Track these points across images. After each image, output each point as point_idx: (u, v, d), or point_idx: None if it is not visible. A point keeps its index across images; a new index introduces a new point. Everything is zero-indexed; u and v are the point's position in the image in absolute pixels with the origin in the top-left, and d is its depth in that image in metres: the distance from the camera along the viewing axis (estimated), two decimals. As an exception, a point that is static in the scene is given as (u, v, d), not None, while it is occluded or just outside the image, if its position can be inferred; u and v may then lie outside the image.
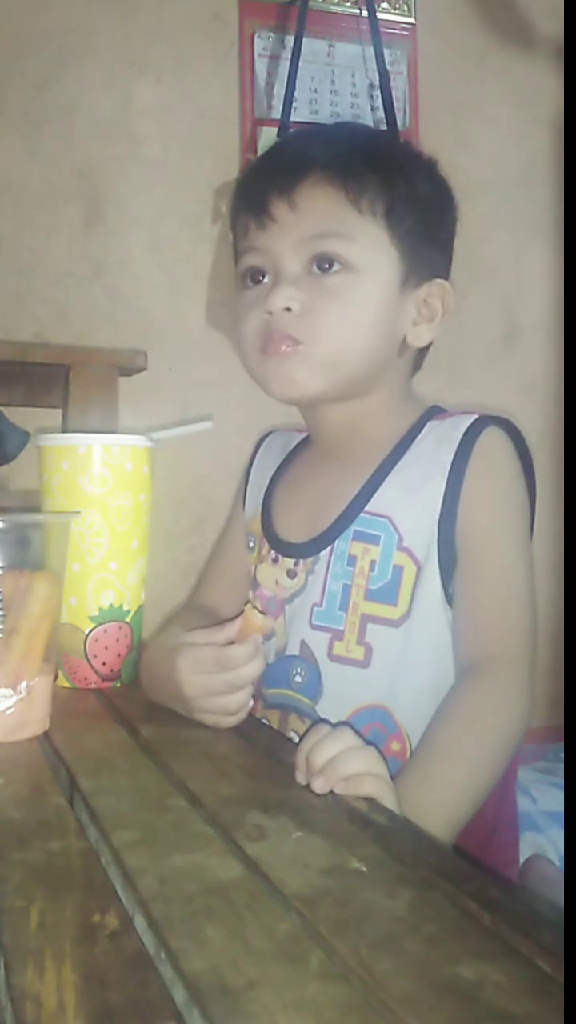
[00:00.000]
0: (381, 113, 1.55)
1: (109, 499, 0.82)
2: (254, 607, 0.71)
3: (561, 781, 1.22)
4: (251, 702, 0.72)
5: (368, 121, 1.64)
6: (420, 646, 0.78)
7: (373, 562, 0.80)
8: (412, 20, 1.69)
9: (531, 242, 1.77)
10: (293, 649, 0.83)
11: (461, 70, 1.73)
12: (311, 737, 0.60)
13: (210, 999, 0.34)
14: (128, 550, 0.83)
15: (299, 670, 0.82)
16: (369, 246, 0.79)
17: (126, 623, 0.84)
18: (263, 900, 0.43)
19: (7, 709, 0.67)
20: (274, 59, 1.60)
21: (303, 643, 0.82)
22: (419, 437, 0.83)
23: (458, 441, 0.79)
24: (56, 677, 0.77)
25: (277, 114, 1.52)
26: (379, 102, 1.56)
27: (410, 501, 0.80)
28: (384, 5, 1.66)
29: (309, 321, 0.78)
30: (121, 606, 0.83)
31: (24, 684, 0.68)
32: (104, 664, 0.83)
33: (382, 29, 1.56)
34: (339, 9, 1.64)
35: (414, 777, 0.67)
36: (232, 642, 0.71)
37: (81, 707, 0.78)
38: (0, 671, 0.67)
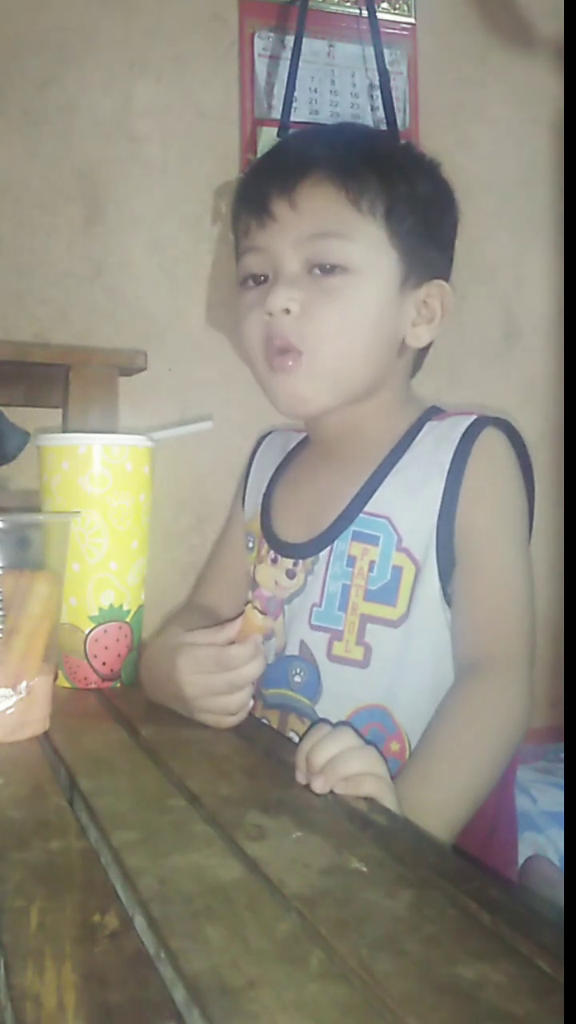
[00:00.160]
0: (381, 113, 1.55)
1: (109, 499, 0.82)
2: (254, 607, 0.72)
3: (561, 781, 1.22)
4: (251, 702, 0.72)
5: (368, 121, 1.64)
6: (419, 646, 0.78)
7: (372, 562, 0.80)
8: (412, 20, 1.69)
9: (531, 242, 1.77)
10: (292, 649, 0.83)
11: (461, 70, 1.73)
12: (311, 737, 0.60)
13: (210, 999, 0.34)
14: (128, 550, 0.83)
15: (298, 670, 0.83)
16: (369, 246, 0.79)
17: (126, 623, 0.84)
18: (263, 900, 0.43)
19: (7, 709, 0.67)
20: (274, 59, 1.60)
21: (302, 643, 0.82)
22: (418, 437, 0.83)
23: (457, 441, 0.79)
24: (56, 677, 0.77)
25: (277, 114, 1.52)
26: (379, 102, 1.56)
27: (409, 501, 0.80)
28: (384, 5, 1.66)
29: (309, 325, 0.78)
30: (121, 606, 0.83)
31: (24, 684, 0.68)
32: (104, 664, 0.83)
33: (382, 29, 1.56)
34: (339, 9, 1.64)
35: (414, 777, 0.67)
36: (232, 642, 0.71)
37: (81, 707, 0.78)
38: (0, 671, 0.67)
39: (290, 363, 0.79)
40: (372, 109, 1.65)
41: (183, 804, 0.55)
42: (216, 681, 0.69)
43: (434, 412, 0.86)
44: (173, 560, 1.47)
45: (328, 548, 0.83)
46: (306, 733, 0.62)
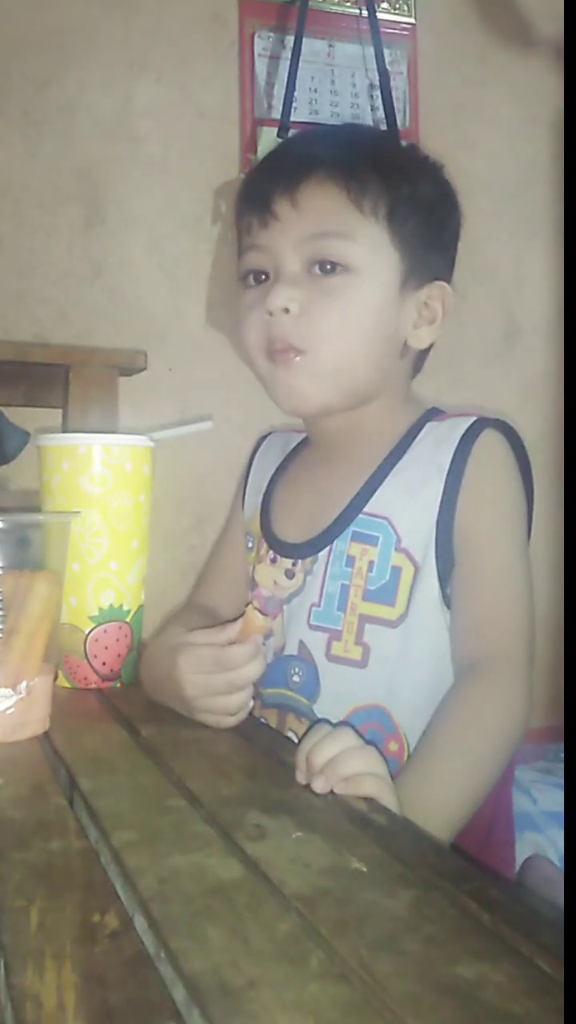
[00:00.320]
0: (381, 113, 1.55)
1: (109, 499, 0.82)
2: (255, 608, 0.72)
3: (561, 781, 1.22)
4: (251, 702, 0.72)
5: (368, 121, 1.64)
6: (418, 646, 0.78)
7: (371, 563, 0.80)
8: (412, 20, 1.69)
9: (531, 242, 1.77)
10: (291, 649, 0.83)
11: (461, 70, 1.73)
12: (311, 737, 0.60)
13: (210, 999, 0.34)
14: (128, 550, 0.83)
15: (297, 670, 0.83)
16: (370, 247, 0.79)
17: (126, 623, 0.84)
18: (263, 900, 0.43)
19: (7, 709, 0.67)
20: (274, 59, 1.60)
21: (301, 643, 0.83)
22: (418, 438, 0.83)
23: (456, 443, 0.79)
24: (56, 677, 0.77)
25: (277, 114, 1.52)
26: (379, 102, 1.56)
27: (409, 502, 0.80)
28: (384, 5, 1.66)
29: (309, 324, 0.79)
30: (121, 606, 0.83)
31: (24, 684, 0.68)
32: (104, 664, 0.83)
33: (382, 29, 1.56)
34: (339, 9, 1.64)
35: (414, 777, 0.67)
36: (233, 643, 0.71)
37: (81, 707, 0.78)
38: (0, 671, 0.67)
39: (294, 360, 0.79)
40: (372, 109, 1.65)
41: (183, 804, 0.55)
42: (216, 681, 0.69)
43: (434, 413, 0.86)
44: (173, 560, 1.47)
45: (327, 548, 0.83)
46: (306, 733, 0.62)
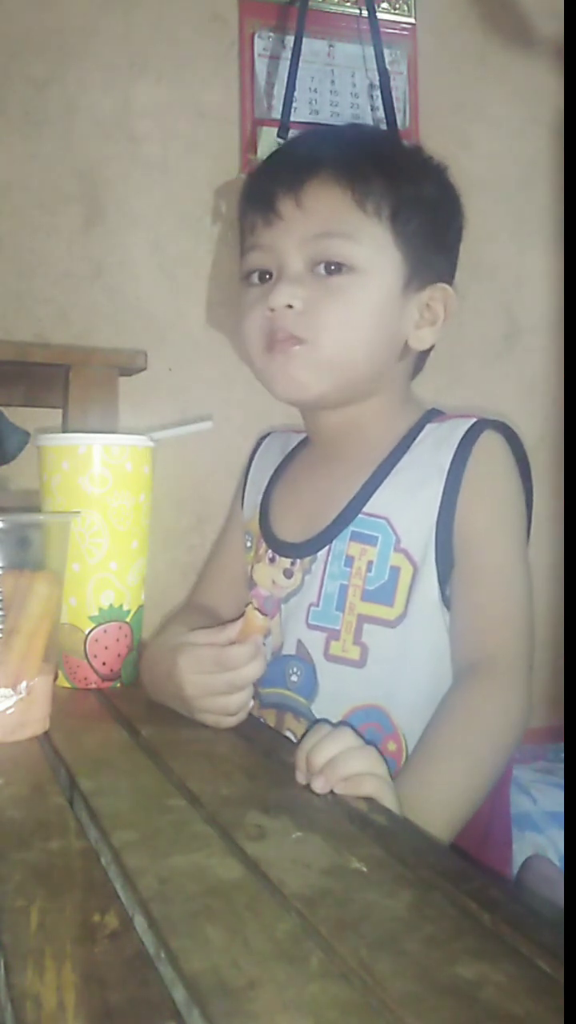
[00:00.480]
0: (381, 113, 1.55)
1: (109, 499, 0.82)
2: (255, 608, 0.72)
3: (561, 781, 1.22)
4: (251, 702, 0.72)
5: (368, 121, 1.64)
6: (416, 647, 0.78)
7: (370, 563, 0.80)
8: (412, 20, 1.69)
9: (531, 242, 1.77)
10: (289, 648, 0.83)
11: (461, 70, 1.73)
12: (311, 737, 0.60)
13: (210, 999, 0.34)
14: (128, 550, 0.83)
15: (295, 669, 0.83)
16: (373, 247, 0.80)
17: (126, 623, 0.84)
18: (263, 900, 0.43)
19: (7, 709, 0.67)
20: (274, 59, 1.60)
21: (299, 642, 0.83)
22: (418, 439, 0.83)
23: (456, 444, 0.79)
24: (56, 677, 0.77)
25: (277, 114, 1.52)
26: (379, 102, 1.56)
27: (408, 502, 0.80)
28: (384, 5, 1.66)
29: (311, 319, 0.79)
30: (121, 606, 0.83)
31: (24, 684, 0.68)
32: (104, 664, 0.83)
33: (382, 29, 1.56)
34: (339, 9, 1.64)
35: (414, 777, 0.67)
36: (233, 643, 0.71)
37: (81, 707, 0.78)
38: (0, 671, 0.67)
39: (293, 348, 0.79)
40: (372, 109, 1.65)
41: (183, 804, 0.55)
42: (216, 681, 0.69)
43: (434, 414, 0.86)
44: (173, 560, 1.47)
45: (326, 548, 0.83)
46: (306, 733, 0.62)
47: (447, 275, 0.86)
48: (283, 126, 1.49)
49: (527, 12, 1.71)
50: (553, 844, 1.02)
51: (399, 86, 1.66)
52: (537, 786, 1.16)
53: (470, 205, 0.89)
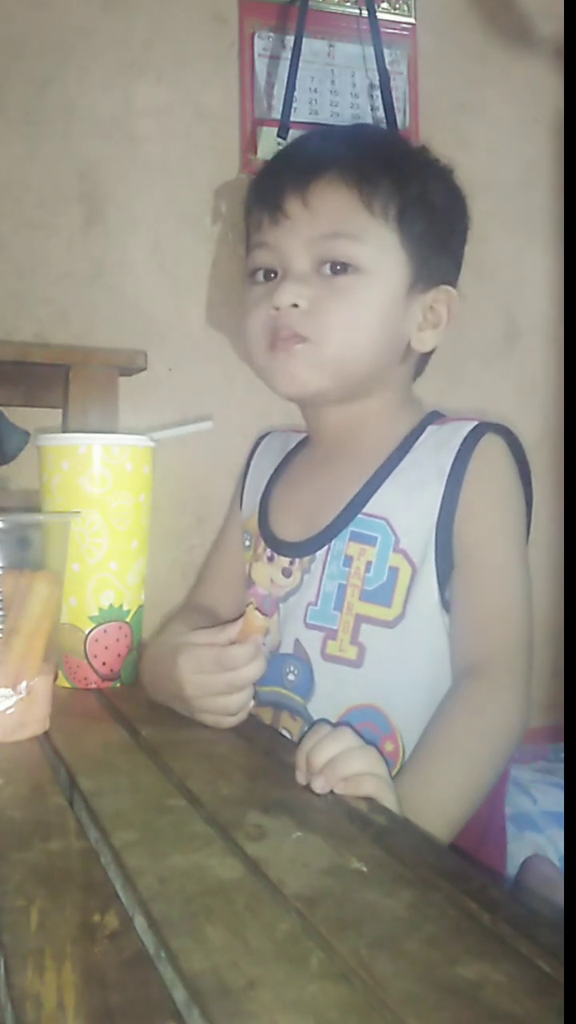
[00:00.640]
0: (381, 113, 1.54)
1: (109, 499, 0.82)
2: (255, 608, 0.72)
3: (561, 781, 1.22)
4: (252, 703, 0.72)
5: (368, 121, 1.64)
6: (414, 648, 0.78)
7: (369, 563, 0.80)
8: (412, 20, 1.69)
9: (531, 242, 1.77)
10: (287, 647, 0.83)
11: (461, 70, 1.73)
12: (311, 737, 0.60)
13: (210, 999, 0.34)
14: (128, 550, 0.83)
15: (292, 668, 0.83)
16: (379, 248, 0.80)
17: (126, 623, 0.84)
18: (263, 900, 0.43)
19: (7, 709, 0.67)
20: (274, 59, 1.60)
21: (297, 641, 0.83)
22: (419, 441, 0.83)
23: (457, 447, 0.79)
24: (56, 677, 0.77)
25: (277, 114, 1.52)
26: (379, 102, 1.56)
27: (408, 503, 0.80)
28: (384, 5, 1.66)
29: (316, 319, 0.79)
30: (121, 606, 0.83)
31: (24, 684, 0.68)
32: (104, 664, 0.83)
33: (382, 29, 1.56)
34: (339, 9, 1.64)
35: (413, 777, 0.67)
36: (233, 643, 0.71)
37: (81, 707, 0.78)
38: (0, 671, 0.67)
39: (295, 346, 0.80)
40: (372, 109, 1.65)
41: (183, 804, 0.55)
42: (216, 681, 0.70)
43: (435, 416, 0.86)
44: (173, 560, 1.47)
45: (326, 547, 0.83)
46: (306, 733, 0.62)
47: (451, 277, 0.86)
48: (283, 126, 1.49)
49: (527, 12, 1.71)
50: (553, 844, 1.02)
51: (399, 86, 1.66)
52: (537, 786, 1.16)
53: (470, 205, 0.89)
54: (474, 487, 0.78)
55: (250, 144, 1.57)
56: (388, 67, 1.55)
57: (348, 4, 1.64)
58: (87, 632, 0.82)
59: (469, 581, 0.77)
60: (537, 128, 1.77)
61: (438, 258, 0.83)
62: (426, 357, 0.89)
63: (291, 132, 1.48)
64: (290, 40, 1.54)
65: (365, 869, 0.46)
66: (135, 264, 1.52)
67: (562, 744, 1.41)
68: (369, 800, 0.57)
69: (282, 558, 0.86)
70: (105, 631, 0.83)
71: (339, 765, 0.58)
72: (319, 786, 0.57)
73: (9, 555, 0.68)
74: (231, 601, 0.94)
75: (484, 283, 1.72)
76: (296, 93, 1.52)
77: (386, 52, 1.55)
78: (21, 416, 1.25)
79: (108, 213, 1.51)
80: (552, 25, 1.70)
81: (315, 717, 0.80)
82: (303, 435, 0.97)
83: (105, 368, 1.34)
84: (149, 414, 1.44)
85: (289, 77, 1.50)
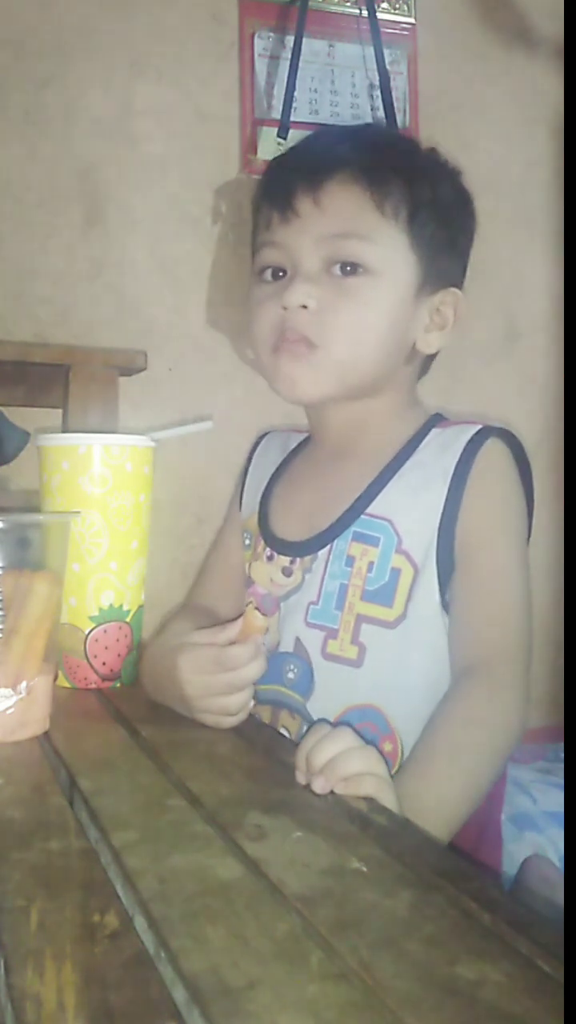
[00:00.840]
0: (381, 113, 1.54)
1: (109, 499, 0.82)
2: (255, 608, 0.72)
3: (561, 781, 1.22)
4: (252, 703, 0.72)
5: (368, 121, 1.64)
6: (414, 648, 0.78)
7: (371, 563, 0.80)
8: (412, 20, 1.69)
9: (531, 242, 1.77)
10: (287, 646, 0.83)
11: (461, 70, 1.72)
12: (311, 737, 0.60)
13: (210, 999, 0.34)
14: (128, 550, 0.83)
15: (292, 667, 0.83)
16: (390, 249, 0.80)
17: (126, 623, 0.84)
18: (263, 900, 0.43)
19: (7, 709, 0.67)
20: (274, 59, 1.59)
21: (297, 640, 0.83)
22: (423, 443, 0.83)
23: (461, 449, 0.79)
24: (56, 677, 0.77)
25: (277, 114, 1.52)
26: (379, 102, 1.56)
27: (411, 505, 0.80)
28: (384, 5, 1.66)
29: (324, 321, 0.79)
30: (121, 606, 0.83)
31: (24, 684, 0.68)
32: (104, 664, 0.83)
33: (382, 29, 1.56)
34: (339, 9, 1.63)
35: (412, 776, 0.67)
36: (233, 643, 0.71)
37: (81, 707, 0.78)
38: (0, 671, 0.67)
39: (299, 351, 0.79)
40: (372, 109, 1.65)
41: (183, 804, 0.55)
42: (216, 681, 0.70)
43: (438, 419, 0.86)
44: (173, 560, 1.46)
45: (328, 547, 0.83)
46: (306, 733, 0.62)
47: (458, 279, 0.86)
48: (283, 126, 1.49)
49: (527, 12, 1.71)
50: (553, 844, 1.02)
51: (399, 86, 1.66)
52: (537, 786, 1.16)
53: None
54: (476, 490, 0.78)
55: (250, 144, 1.57)
56: (388, 67, 1.55)
57: (348, 4, 1.64)
58: (87, 632, 0.82)
59: (469, 582, 0.78)
60: (537, 128, 1.77)
61: (446, 260, 0.84)
62: (430, 358, 0.90)
63: (291, 132, 1.48)
64: (290, 40, 1.54)
65: (365, 869, 0.46)
66: (135, 264, 1.52)
67: (562, 744, 1.41)
68: (369, 800, 0.57)
69: (282, 557, 0.86)
70: (105, 631, 0.83)
71: (339, 765, 0.58)
72: (319, 786, 0.57)
73: (9, 555, 0.68)
74: (230, 601, 0.94)
75: (484, 283, 1.72)
76: (296, 93, 1.52)
77: (386, 52, 1.55)
78: (21, 416, 1.25)
79: (108, 213, 1.51)
80: (552, 25, 1.70)
81: (314, 716, 0.80)
82: (304, 435, 0.97)
83: (105, 368, 1.34)
84: (149, 414, 1.44)
85: (289, 77, 1.50)
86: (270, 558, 0.88)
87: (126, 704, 0.78)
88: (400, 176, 0.80)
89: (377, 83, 1.56)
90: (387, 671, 0.79)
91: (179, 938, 0.38)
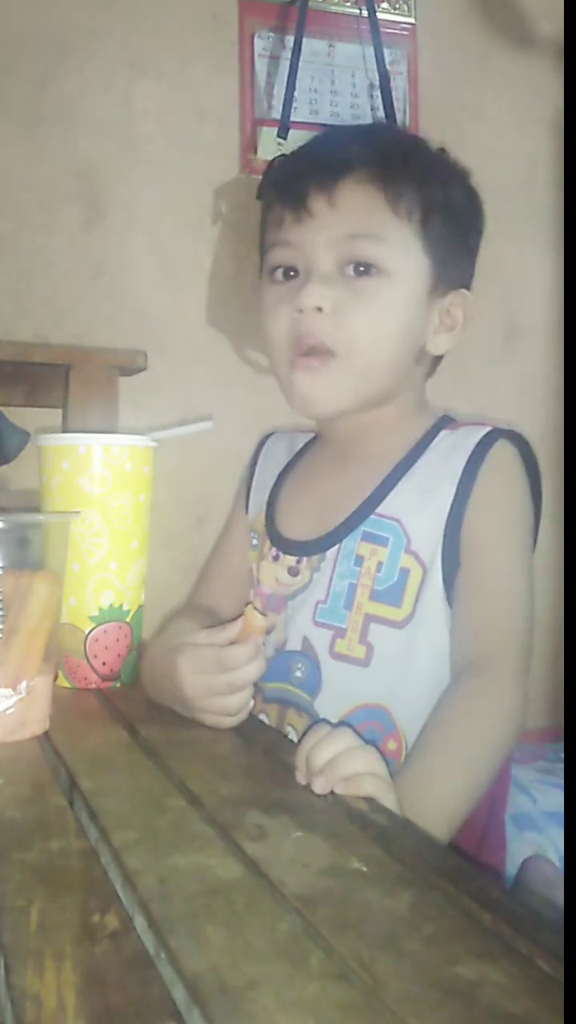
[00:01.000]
0: (381, 113, 1.54)
1: (109, 499, 0.82)
2: (255, 608, 0.72)
3: (561, 781, 1.22)
4: (251, 703, 0.72)
5: (368, 121, 1.64)
6: (422, 648, 0.78)
7: (380, 563, 0.80)
8: (412, 20, 1.69)
9: (531, 242, 1.77)
10: (295, 645, 0.83)
11: (461, 70, 1.73)
12: (311, 737, 0.60)
13: (210, 999, 0.34)
14: (128, 550, 0.83)
15: (300, 666, 0.83)
16: (404, 251, 0.80)
17: (126, 623, 0.84)
18: (263, 900, 0.43)
19: (7, 709, 0.67)
20: (274, 59, 1.59)
21: (305, 639, 0.83)
22: (432, 444, 0.83)
23: (470, 451, 0.80)
24: (56, 677, 0.77)
25: (277, 114, 1.52)
26: (379, 102, 1.56)
27: (420, 506, 0.80)
28: (384, 5, 1.66)
29: (340, 325, 0.78)
30: (121, 606, 0.83)
31: (24, 684, 0.68)
32: (104, 664, 0.83)
33: (382, 29, 1.56)
34: (339, 9, 1.64)
35: (411, 774, 0.67)
36: (233, 643, 0.71)
37: (81, 707, 0.78)
38: (0, 671, 0.67)
39: (316, 363, 0.79)
40: (372, 109, 1.65)
41: (183, 804, 0.55)
42: (216, 682, 0.69)
43: (447, 421, 0.86)
44: (173, 560, 1.47)
45: (337, 546, 0.83)
46: (306, 733, 0.62)
47: (467, 281, 0.86)
48: (283, 126, 1.49)
49: (527, 12, 1.71)
50: (553, 844, 1.02)
51: (399, 86, 1.66)
52: (537, 786, 1.16)
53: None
54: (483, 491, 0.78)
55: (250, 144, 1.57)
56: (388, 67, 1.55)
57: (348, 4, 1.64)
58: (87, 632, 0.82)
59: (472, 580, 0.78)
60: (537, 128, 1.77)
61: (457, 262, 0.84)
62: (437, 359, 0.90)
63: (291, 132, 1.48)
64: (290, 40, 1.54)
65: (365, 869, 0.46)
66: (135, 264, 1.52)
67: (562, 744, 1.41)
68: (369, 800, 0.57)
69: (288, 557, 0.86)
70: (105, 631, 0.83)
71: (339, 765, 0.58)
72: (319, 786, 0.57)
73: (9, 555, 0.68)
74: (233, 601, 0.94)
75: (484, 283, 1.72)
76: (296, 93, 1.52)
77: (386, 52, 1.55)
78: (21, 416, 1.25)
79: (108, 213, 1.51)
80: (552, 25, 1.70)
81: (321, 714, 0.80)
82: (311, 435, 0.97)
83: (105, 368, 1.34)
84: (149, 414, 1.44)
85: (289, 77, 1.50)
86: (276, 558, 0.88)
87: (126, 704, 0.78)
88: (413, 177, 0.80)
89: (377, 83, 1.56)
90: (395, 671, 0.79)
91: (179, 938, 0.38)
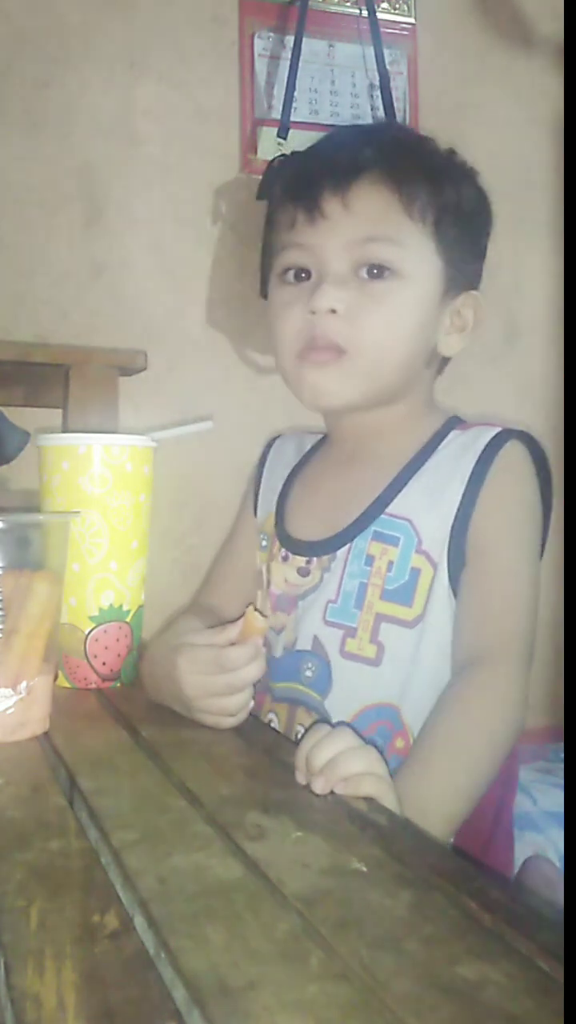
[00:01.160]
0: (381, 113, 1.54)
1: (109, 499, 0.82)
2: (255, 609, 0.72)
3: (561, 781, 1.22)
4: (251, 703, 0.72)
5: (368, 121, 1.64)
6: (432, 647, 0.78)
7: (391, 563, 0.80)
8: (412, 20, 1.69)
9: (531, 242, 1.77)
10: (305, 644, 0.83)
11: (461, 70, 1.73)
12: (311, 737, 0.60)
13: (210, 999, 0.34)
14: (128, 550, 0.83)
15: (310, 665, 0.83)
16: (417, 253, 0.80)
17: (126, 623, 0.84)
18: (263, 900, 0.43)
19: (7, 709, 0.67)
20: (274, 59, 1.60)
21: (315, 639, 0.83)
22: (442, 445, 0.83)
23: (480, 451, 0.80)
24: (56, 677, 0.77)
25: (277, 114, 1.52)
26: (379, 102, 1.56)
27: (431, 505, 0.80)
28: (384, 5, 1.66)
29: (354, 326, 0.78)
30: (121, 606, 0.83)
31: (24, 684, 0.68)
32: (104, 664, 0.83)
33: (382, 29, 1.56)
34: (339, 9, 1.64)
35: (412, 772, 0.67)
36: (233, 644, 0.71)
37: (81, 707, 0.78)
38: (0, 671, 0.67)
39: (326, 358, 0.79)
40: (372, 109, 1.65)
41: (183, 804, 0.55)
42: (216, 682, 0.69)
43: (456, 421, 0.86)
44: (173, 560, 1.47)
45: (347, 546, 0.83)
46: (306, 733, 0.62)
47: (477, 281, 0.86)
48: (283, 126, 1.49)
49: (527, 12, 1.71)
50: (553, 844, 1.02)
51: (399, 86, 1.66)
52: (537, 786, 1.16)
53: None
54: (492, 491, 0.78)
55: (250, 144, 1.57)
56: (388, 67, 1.55)
57: (348, 4, 1.64)
58: (87, 632, 0.82)
59: (476, 578, 0.78)
60: (537, 128, 1.77)
61: (469, 263, 0.84)
62: (446, 360, 0.90)
63: (291, 132, 1.48)
64: (290, 40, 1.54)
65: (365, 869, 0.46)
66: (135, 264, 1.52)
67: (562, 744, 1.41)
68: (369, 800, 0.57)
69: (297, 557, 0.86)
70: (105, 631, 0.83)
71: (339, 765, 0.58)
72: (319, 786, 0.57)
73: (9, 555, 0.68)
74: (239, 602, 0.94)
75: (484, 283, 1.72)
76: (296, 93, 1.52)
77: (386, 52, 1.55)
78: (21, 416, 1.25)
79: (108, 213, 1.51)
80: (552, 25, 1.70)
81: (332, 714, 0.80)
82: (319, 435, 0.97)
83: (105, 368, 1.34)
84: (149, 414, 1.44)
85: (289, 77, 1.50)
86: (285, 558, 0.88)
87: (126, 704, 0.78)
88: (427, 178, 0.80)
89: (377, 83, 1.56)
90: (405, 670, 0.79)
91: (179, 938, 0.38)
